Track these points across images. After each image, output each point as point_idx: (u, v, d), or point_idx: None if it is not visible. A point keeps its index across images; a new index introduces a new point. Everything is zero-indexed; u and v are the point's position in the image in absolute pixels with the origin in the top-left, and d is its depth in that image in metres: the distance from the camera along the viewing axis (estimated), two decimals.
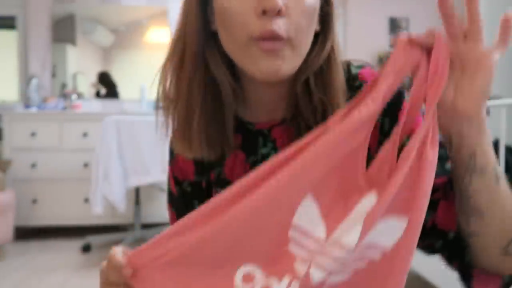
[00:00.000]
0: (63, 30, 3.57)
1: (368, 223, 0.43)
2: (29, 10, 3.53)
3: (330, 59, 0.58)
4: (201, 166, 0.68)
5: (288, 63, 0.53)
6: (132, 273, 0.45)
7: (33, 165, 2.93)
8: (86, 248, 2.66)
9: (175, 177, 0.72)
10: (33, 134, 2.93)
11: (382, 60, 3.94)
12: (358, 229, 0.43)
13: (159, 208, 3.00)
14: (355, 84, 0.61)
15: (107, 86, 3.63)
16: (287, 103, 0.60)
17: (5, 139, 2.93)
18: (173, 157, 0.72)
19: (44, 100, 3.36)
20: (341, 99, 0.57)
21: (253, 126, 0.64)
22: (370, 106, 0.45)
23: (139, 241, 2.84)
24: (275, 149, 0.64)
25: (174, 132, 0.62)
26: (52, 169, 2.95)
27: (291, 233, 0.46)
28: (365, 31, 3.95)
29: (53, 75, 3.58)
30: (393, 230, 0.45)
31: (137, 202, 2.80)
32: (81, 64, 3.62)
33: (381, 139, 0.58)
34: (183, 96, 0.59)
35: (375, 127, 0.56)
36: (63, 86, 3.57)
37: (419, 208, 0.44)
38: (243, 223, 0.44)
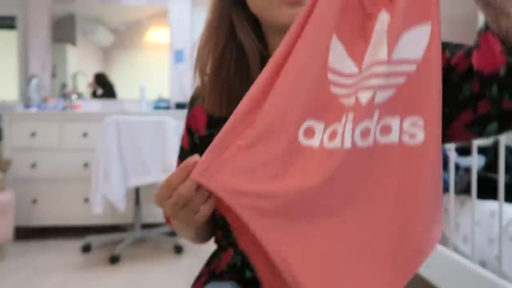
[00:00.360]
0: (63, 30, 3.58)
1: (392, 35, 0.48)
2: (29, 10, 3.53)
3: None
4: (213, 120, 0.71)
5: None
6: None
7: (33, 165, 2.93)
8: (86, 248, 2.66)
9: (189, 128, 0.75)
10: (33, 134, 2.94)
11: None
12: (385, 45, 0.48)
13: (159, 208, 2.99)
14: None
15: (104, 87, 3.63)
16: None
17: (5, 139, 2.93)
18: (191, 106, 0.75)
19: (44, 100, 3.36)
20: None
21: None
22: None
23: (139, 241, 2.84)
24: None
25: (201, 84, 0.69)
26: (52, 169, 2.96)
27: (330, 76, 0.51)
28: None
29: (53, 75, 3.58)
30: (418, 39, 0.49)
31: (137, 202, 2.80)
32: (81, 64, 3.62)
33: None
34: (214, 59, 0.66)
35: None
36: (63, 86, 3.57)
37: (435, 16, 0.48)
38: (289, 85, 0.49)
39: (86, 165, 2.96)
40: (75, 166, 2.98)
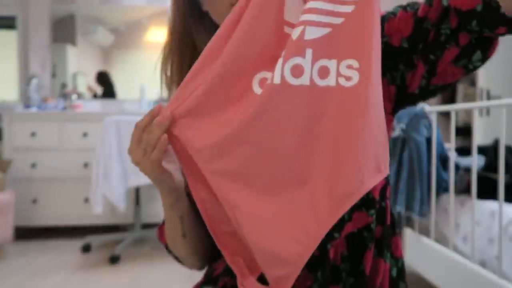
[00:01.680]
0: (63, 30, 3.57)
1: None
2: (29, 10, 3.53)
3: None
4: None
5: None
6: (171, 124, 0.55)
7: (33, 165, 2.93)
8: (86, 248, 2.66)
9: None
10: (33, 134, 2.94)
11: None
12: None
13: (159, 208, 2.99)
14: None
15: (105, 86, 3.63)
16: None
17: (5, 139, 2.93)
18: None
19: (44, 100, 3.36)
20: None
21: None
22: None
23: (139, 241, 2.84)
24: None
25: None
26: (52, 169, 2.95)
27: (286, 30, 0.52)
28: None
29: (53, 75, 3.58)
30: None
31: (137, 202, 2.80)
32: (81, 64, 3.62)
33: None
34: (175, 77, 0.67)
35: None
36: (63, 86, 3.57)
37: None
38: (245, 39, 0.51)
39: (86, 165, 2.96)
40: (75, 166, 2.98)
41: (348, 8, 0.50)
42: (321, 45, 0.49)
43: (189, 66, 0.60)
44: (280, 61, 0.49)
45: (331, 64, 0.50)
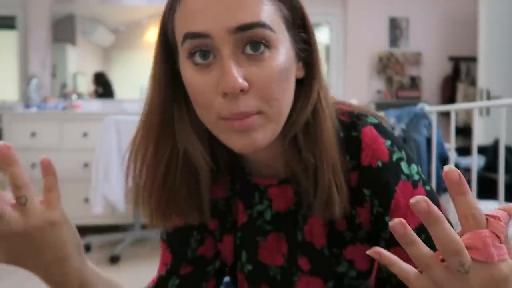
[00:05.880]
0: (63, 30, 3.57)
1: None
2: (29, 10, 3.53)
3: (317, 109, 0.53)
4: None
5: (264, 133, 0.49)
6: None
7: (33, 165, 2.93)
8: (86, 248, 2.66)
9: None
10: (33, 134, 2.94)
11: (382, 60, 3.95)
12: None
13: None
14: (356, 146, 0.56)
15: (103, 86, 3.64)
16: (284, 161, 0.56)
17: (5, 139, 2.93)
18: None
19: (44, 100, 3.36)
20: (333, 154, 0.53)
21: (251, 177, 0.62)
22: None
23: (139, 241, 2.84)
24: (271, 209, 0.61)
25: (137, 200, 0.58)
26: None
27: None
28: (365, 31, 3.94)
29: (53, 75, 3.58)
30: None
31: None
32: (81, 64, 3.62)
33: (372, 219, 0.57)
34: (147, 164, 0.55)
35: (365, 207, 0.56)
36: (63, 86, 3.57)
37: None
38: None
39: (86, 165, 2.96)
40: (75, 166, 2.98)
41: None
42: None
43: (167, 158, 0.54)
44: None
45: None
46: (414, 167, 0.56)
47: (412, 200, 0.34)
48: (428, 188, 0.55)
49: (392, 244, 0.53)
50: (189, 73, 0.49)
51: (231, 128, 0.48)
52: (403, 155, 0.55)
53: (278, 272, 0.63)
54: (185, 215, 0.58)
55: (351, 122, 0.56)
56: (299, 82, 0.53)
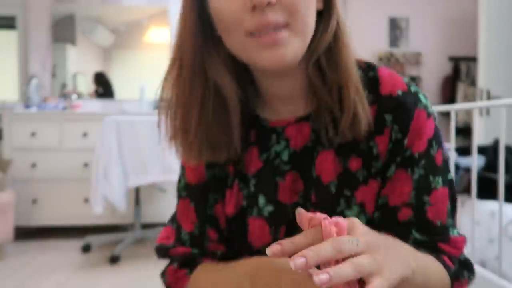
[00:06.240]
0: (63, 30, 3.57)
1: None
2: (29, 10, 3.53)
3: (337, 35, 0.57)
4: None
5: (292, 48, 0.52)
6: None
7: (33, 165, 2.93)
8: (86, 248, 2.66)
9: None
10: (33, 134, 2.94)
11: (382, 60, 3.95)
12: None
13: (159, 208, 3.00)
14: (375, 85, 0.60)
15: (103, 86, 3.64)
16: (306, 95, 0.60)
17: (5, 139, 2.93)
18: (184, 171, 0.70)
19: (44, 100, 3.36)
20: (355, 78, 0.57)
21: (267, 123, 0.64)
22: None
23: (139, 241, 2.84)
24: (288, 148, 0.63)
25: (175, 139, 0.61)
26: (52, 169, 2.95)
27: None
28: (365, 31, 3.95)
29: (53, 75, 3.58)
30: None
31: (137, 202, 2.80)
32: (81, 64, 3.62)
33: (390, 146, 0.59)
34: (181, 103, 0.59)
35: (385, 133, 0.58)
36: (63, 86, 3.57)
37: None
38: None
39: (86, 165, 2.96)
40: (75, 166, 2.98)
41: None
42: None
43: (200, 104, 0.57)
44: None
45: None
46: (429, 102, 0.61)
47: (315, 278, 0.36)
48: (437, 124, 0.61)
49: (402, 166, 0.58)
50: None
51: (261, 44, 0.51)
52: (419, 90, 0.61)
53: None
54: (217, 149, 0.60)
55: (367, 65, 0.62)
56: (319, 14, 0.56)
